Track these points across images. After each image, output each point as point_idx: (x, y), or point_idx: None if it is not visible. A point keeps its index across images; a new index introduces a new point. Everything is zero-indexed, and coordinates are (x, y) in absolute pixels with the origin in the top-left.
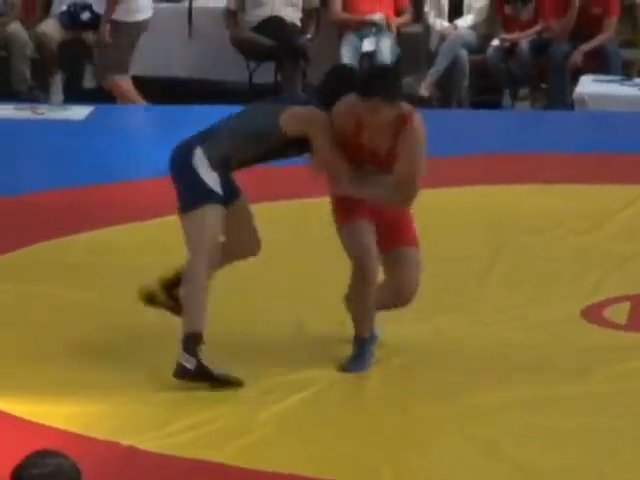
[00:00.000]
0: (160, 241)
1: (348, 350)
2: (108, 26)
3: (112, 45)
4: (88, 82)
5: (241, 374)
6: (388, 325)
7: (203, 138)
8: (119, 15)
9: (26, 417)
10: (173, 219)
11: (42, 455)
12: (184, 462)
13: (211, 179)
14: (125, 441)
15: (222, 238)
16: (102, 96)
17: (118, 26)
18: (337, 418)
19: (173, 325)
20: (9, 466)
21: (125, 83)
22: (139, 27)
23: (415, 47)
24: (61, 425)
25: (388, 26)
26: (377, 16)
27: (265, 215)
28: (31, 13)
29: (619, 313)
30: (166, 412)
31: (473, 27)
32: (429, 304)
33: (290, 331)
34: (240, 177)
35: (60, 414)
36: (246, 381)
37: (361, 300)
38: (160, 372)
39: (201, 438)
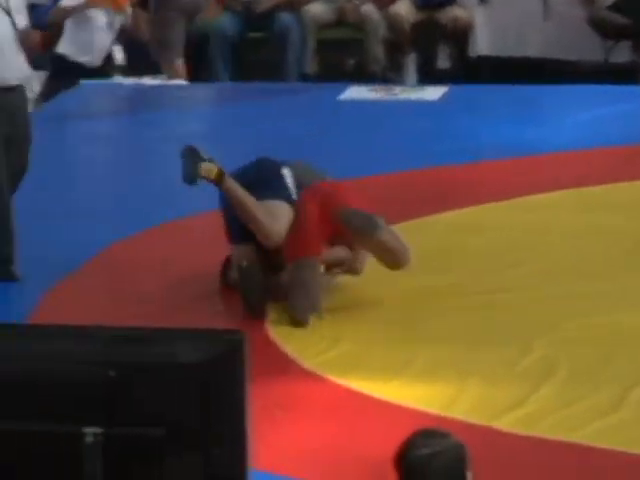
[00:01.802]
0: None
1: None
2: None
3: None
4: (442, 62)
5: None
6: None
7: None
8: None
9: (383, 398)
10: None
11: (430, 435)
12: (545, 443)
13: None
14: (482, 422)
15: None
16: (457, 76)
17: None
18: None
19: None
20: (377, 447)
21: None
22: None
23: None
24: (418, 406)
25: None
26: None
27: None
28: None
29: None
30: (520, 392)
31: None
32: None
33: None
34: None
35: (415, 395)
36: (601, 365)
37: None
38: (514, 352)
39: (562, 419)
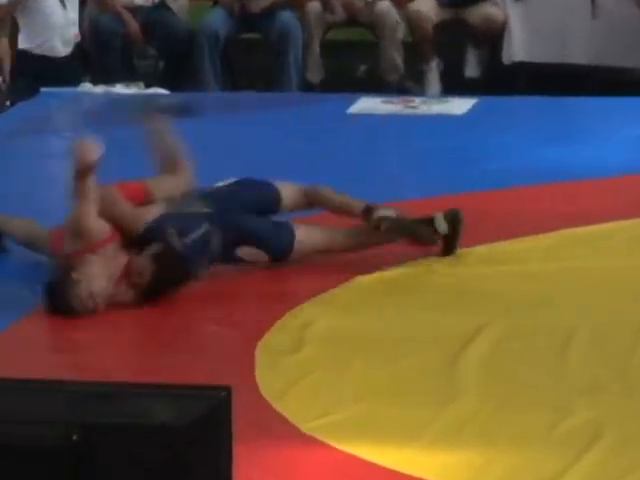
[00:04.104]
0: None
1: None
2: None
3: None
4: (471, 70)
5: None
6: None
7: None
8: None
9: (395, 468)
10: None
11: None
12: None
13: None
14: None
15: None
16: (487, 86)
17: None
18: None
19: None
20: None
21: None
22: None
23: None
24: (438, 478)
25: None
26: None
27: None
28: None
29: None
30: (559, 462)
31: None
32: None
33: None
34: None
35: (434, 465)
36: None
37: None
38: (552, 414)
39: None
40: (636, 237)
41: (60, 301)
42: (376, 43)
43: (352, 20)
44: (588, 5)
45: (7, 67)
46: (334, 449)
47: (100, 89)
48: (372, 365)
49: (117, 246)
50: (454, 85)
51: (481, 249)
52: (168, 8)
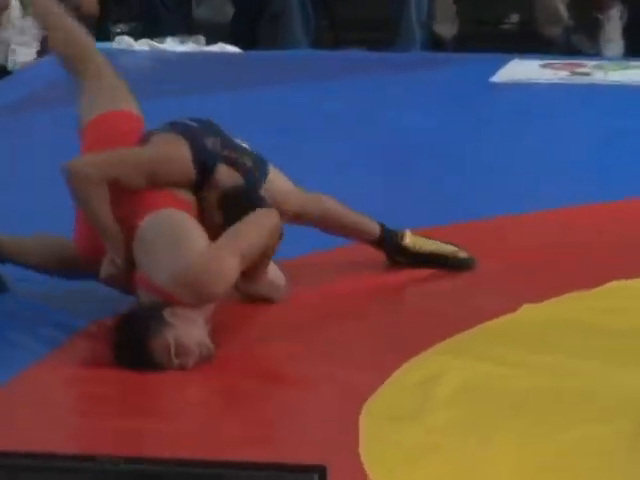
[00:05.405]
0: None
1: None
2: None
3: None
4: None
5: None
6: None
7: None
8: None
9: None
10: None
11: None
12: None
13: None
14: None
15: None
16: None
17: None
18: None
19: None
20: None
21: None
22: None
23: None
24: None
25: None
26: None
27: None
28: None
29: None
30: None
31: None
32: None
33: None
34: None
35: None
36: None
37: None
38: None
39: None
40: None
41: (137, 348)
42: None
43: None
44: None
45: None
46: None
47: (143, 44)
48: (526, 436)
49: None
50: None
51: None
52: None
